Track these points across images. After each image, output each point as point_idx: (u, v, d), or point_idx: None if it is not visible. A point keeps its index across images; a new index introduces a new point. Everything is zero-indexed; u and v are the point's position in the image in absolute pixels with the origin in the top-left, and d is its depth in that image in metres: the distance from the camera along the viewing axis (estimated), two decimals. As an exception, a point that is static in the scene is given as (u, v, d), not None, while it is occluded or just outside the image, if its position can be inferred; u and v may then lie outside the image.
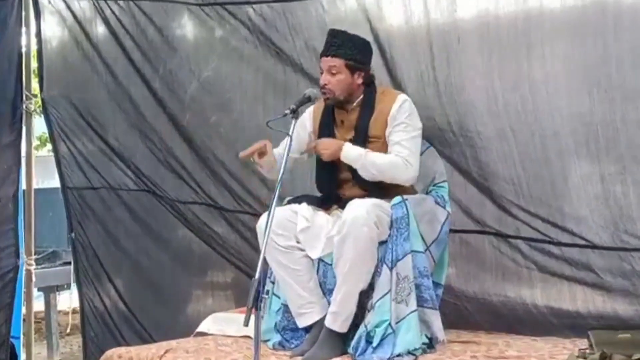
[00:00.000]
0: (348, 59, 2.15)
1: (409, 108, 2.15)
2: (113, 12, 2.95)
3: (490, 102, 2.21)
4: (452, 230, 2.25)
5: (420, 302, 2.08)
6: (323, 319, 2.12)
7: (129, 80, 3.00)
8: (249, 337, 2.17)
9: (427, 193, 2.27)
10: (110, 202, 3.20)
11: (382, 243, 2.09)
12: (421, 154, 2.26)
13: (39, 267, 3.32)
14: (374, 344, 2.03)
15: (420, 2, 2.24)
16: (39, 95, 3.27)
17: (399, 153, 2.11)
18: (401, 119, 2.14)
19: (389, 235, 2.08)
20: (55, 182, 3.47)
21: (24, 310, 3.21)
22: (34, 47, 3.22)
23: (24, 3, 3.10)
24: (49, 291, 3.71)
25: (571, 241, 2.17)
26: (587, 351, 1.95)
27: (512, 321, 2.29)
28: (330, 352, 2.06)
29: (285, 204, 2.25)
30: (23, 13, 3.12)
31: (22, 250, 3.12)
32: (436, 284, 2.17)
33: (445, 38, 2.24)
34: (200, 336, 2.37)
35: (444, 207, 2.21)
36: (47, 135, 3.73)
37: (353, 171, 2.18)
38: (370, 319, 2.05)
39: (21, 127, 3.12)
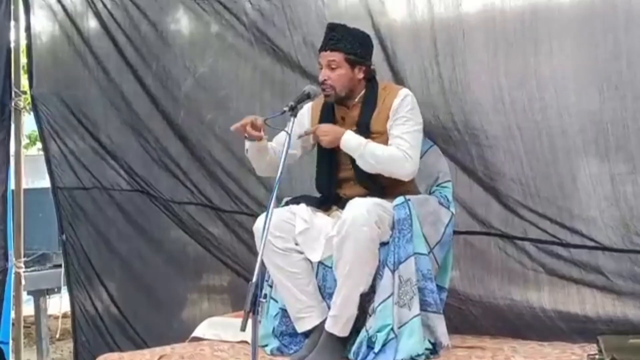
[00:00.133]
0: (348, 52, 2.11)
1: (411, 102, 2.12)
2: (105, 6, 2.92)
3: (496, 100, 2.18)
4: (456, 232, 2.21)
5: (424, 306, 2.04)
6: (322, 323, 2.08)
7: (121, 77, 2.96)
8: (246, 342, 2.13)
9: (430, 193, 2.23)
10: (102, 203, 3.17)
11: (383, 245, 2.04)
12: (424, 152, 2.23)
13: (28, 269, 3.31)
14: (376, 350, 1.99)
15: (424, -5, 2.21)
16: (28, 92, 3.25)
17: (400, 146, 2.07)
18: (402, 112, 2.10)
19: (391, 237, 2.04)
20: (45, 182, 3.44)
21: (13, 314, 3.17)
22: (23, 42, 3.18)
23: (13, -4, 3.06)
24: (39, 295, 3.67)
25: (580, 243, 2.14)
26: (597, 357, 1.92)
27: (518, 326, 2.25)
28: (330, 357, 2.02)
29: (284, 205, 2.21)
30: (12, 7, 3.08)
31: (11, 253, 3.09)
32: (440, 288, 2.13)
33: (449, 33, 2.21)
34: (195, 341, 2.34)
35: (448, 208, 2.17)
36: (36, 133, 3.72)
37: (354, 170, 2.13)
38: (372, 323, 2.01)
39: (10, 125, 3.10)
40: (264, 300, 2.09)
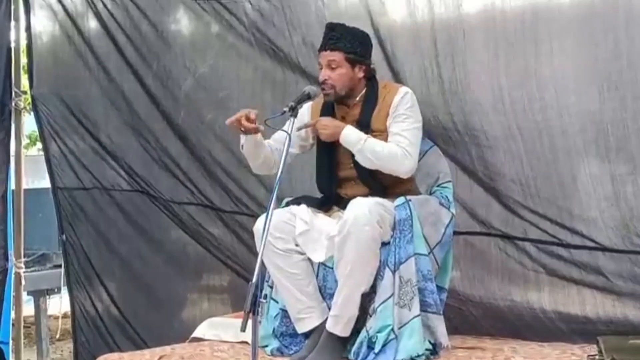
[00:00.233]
0: (348, 52, 2.11)
1: (411, 100, 2.12)
2: (105, 6, 2.92)
3: (497, 100, 2.17)
4: (456, 232, 2.21)
5: (424, 306, 2.03)
6: (323, 324, 2.07)
7: (121, 77, 2.96)
8: (246, 342, 2.12)
9: (430, 193, 2.23)
10: (102, 203, 3.16)
11: (384, 245, 2.04)
12: (425, 153, 2.23)
13: (28, 270, 3.30)
14: (376, 350, 1.98)
15: (424, -4, 2.21)
16: (28, 92, 3.24)
17: (399, 143, 2.07)
18: (402, 110, 2.10)
19: (392, 237, 2.03)
20: (45, 182, 3.43)
21: (13, 314, 3.16)
22: (23, 42, 3.17)
23: (14, -4, 3.06)
24: (39, 295, 3.66)
25: (580, 243, 2.14)
26: (597, 357, 1.92)
27: (518, 326, 2.25)
28: (330, 357, 2.02)
29: (284, 205, 2.20)
30: (12, 7, 3.08)
31: (11, 253, 3.08)
32: (440, 288, 2.12)
33: (450, 33, 2.21)
34: (195, 342, 2.33)
35: (448, 209, 2.17)
36: (37, 133, 3.71)
37: (356, 169, 2.13)
38: (372, 323, 2.01)
39: (10, 125, 3.09)
40: (264, 301, 2.08)
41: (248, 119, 2.07)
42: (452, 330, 2.12)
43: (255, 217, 2.22)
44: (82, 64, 3.04)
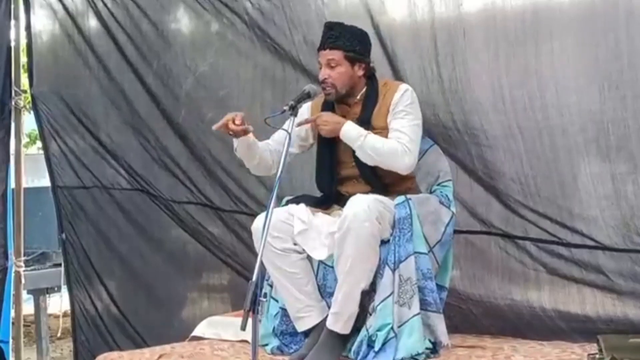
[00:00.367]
0: (347, 50, 2.11)
1: (411, 96, 2.12)
2: (105, 5, 2.91)
3: (497, 99, 2.17)
4: (457, 231, 2.20)
5: (424, 305, 2.03)
6: (322, 322, 2.07)
7: (122, 76, 2.96)
8: (246, 341, 2.13)
9: (431, 192, 2.23)
10: (102, 202, 3.16)
11: (384, 243, 2.04)
12: (425, 151, 2.22)
13: (28, 268, 3.30)
14: (376, 348, 1.98)
15: (424, -6, 2.20)
16: (28, 91, 3.24)
17: (399, 139, 2.07)
18: (402, 106, 2.11)
19: (392, 236, 2.03)
20: (45, 181, 3.43)
21: (13, 313, 3.16)
22: (23, 41, 3.17)
23: (14, -5, 3.06)
24: (39, 294, 3.66)
25: (581, 242, 2.13)
26: (597, 356, 1.91)
27: (518, 325, 2.24)
28: (329, 355, 2.01)
29: (284, 204, 2.20)
30: (12, 5, 3.08)
31: (10, 251, 3.08)
32: (440, 287, 2.12)
33: (450, 32, 2.20)
34: (195, 340, 2.33)
35: (449, 207, 2.17)
36: (36, 132, 3.71)
37: (358, 167, 2.13)
38: (372, 322, 2.00)
39: (10, 124, 3.09)
40: (264, 300, 2.09)
41: (234, 122, 2.07)
42: (452, 329, 2.12)
43: (255, 216, 2.20)
44: (82, 63, 3.04)
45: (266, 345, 2.17)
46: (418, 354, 1.99)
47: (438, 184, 2.23)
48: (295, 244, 2.10)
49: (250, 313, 1.65)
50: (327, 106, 2.21)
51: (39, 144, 3.94)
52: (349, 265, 1.99)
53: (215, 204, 2.85)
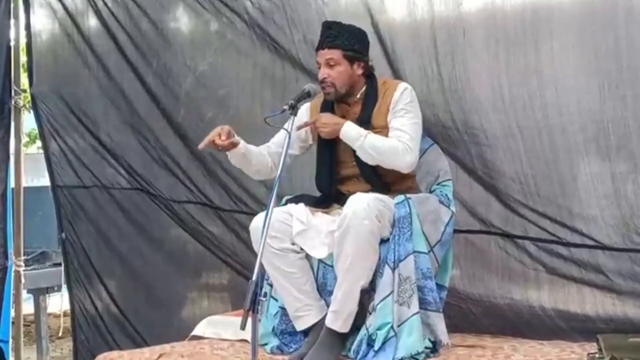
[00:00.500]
0: (346, 49, 2.11)
1: (410, 95, 2.13)
2: (105, 4, 2.91)
3: (497, 98, 2.17)
4: (456, 231, 2.20)
5: (423, 304, 2.03)
6: (321, 321, 2.07)
7: (121, 75, 2.95)
8: (245, 341, 2.12)
9: (430, 192, 2.23)
10: (102, 201, 3.16)
11: (383, 242, 2.03)
12: (425, 151, 2.22)
13: (28, 268, 3.30)
14: (376, 348, 1.98)
15: (424, -6, 2.20)
16: (28, 90, 3.24)
17: (400, 138, 2.07)
18: (402, 105, 2.11)
19: (392, 235, 2.03)
20: (45, 181, 3.43)
21: (12, 312, 3.15)
22: (23, 41, 3.18)
23: (13, -5, 3.06)
24: (39, 293, 3.66)
25: (580, 242, 2.13)
26: (596, 356, 1.90)
27: (518, 324, 2.24)
28: (329, 354, 2.01)
29: (284, 203, 2.20)
30: (12, 5, 3.07)
31: (10, 251, 3.08)
32: (440, 286, 2.12)
33: (450, 32, 2.20)
34: (195, 340, 2.33)
35: (448, 207, 2.17)
36: (36, 131, 3.71)
37: (359, 167, 2.13)
38: (372, 321, 2.00)
39: (10, 124, 3.09)
40: (263, 299, 2.08)
41: (220, 137, 2.07)
42: (452, 328, 2.12)
43: (255, 215, 2.20)
44: (82, 62, 3.04)
45: (266, 344, 2.17)
46: (418, 353, 1.98)
47: (438, 184, 2.23)
48: (293, 244, 2.10)
49: (250, 312, 1.65)
50: (327, 106, 2.21)
51: (38, 143, 3.94)
52: (348, 263, 1.99)
53: (215, 203, 2.85)
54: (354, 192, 2.08)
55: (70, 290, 3.27)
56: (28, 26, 3.12)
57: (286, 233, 2.09)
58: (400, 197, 2.05)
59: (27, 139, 4.95)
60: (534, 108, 2.12)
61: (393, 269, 2.00)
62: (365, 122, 2.12)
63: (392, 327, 1.97)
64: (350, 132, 2.08)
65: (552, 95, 2.09)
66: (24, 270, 3.16)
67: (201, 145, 2.10)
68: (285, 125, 2.04)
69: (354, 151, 2.11)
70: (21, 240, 3.14)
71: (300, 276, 2.10)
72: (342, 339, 2.04)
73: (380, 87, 2.16)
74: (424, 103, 2.18)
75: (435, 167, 2.24)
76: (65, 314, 3.58)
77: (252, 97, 2.66)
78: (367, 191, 2.07)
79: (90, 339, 3.22)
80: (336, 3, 2.42)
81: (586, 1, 2.07)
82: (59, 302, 3.64)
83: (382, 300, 1.99)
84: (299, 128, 2.14)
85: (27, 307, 3.58)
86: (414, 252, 2.02)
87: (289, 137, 1.97)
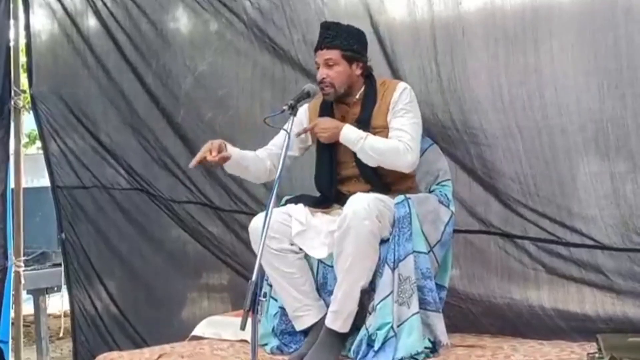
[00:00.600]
0: (345, 49, 2.11)
1: (410, 95, 2.13)
2: (105, 5, 2.92)
3: (496, 98, 2.17)
4: (456, 231, 2.20)
5: (423, 304, 2.03)
6: (321, 321, 2.07)
7: (121, 76, 2.96)
8: (245, 341, 2.13)
9: (430, 192, 2.23)
10: (101, 202, 3.16)
11: (383, 242, 2.04)
12: (424, 151, 2.22)
13: (28, 268, 3.30)
14: (376, 348, 1.98)
15: (423, -6, 2.20)
16: (27, 90, 3.24)
17: (400, 138, 2.08)
18: (401, 105, 2.11)
19: (391, 235, 2.03)
20: (45, 181, 3.44)
21: (12, 313, 3.16)
22: (22, 41, 3.18)
23: (13, -5, 3.06)
24: (39, 294, 3.66)
25: (580, 241, 2.13)
26: (596, 355, 1.91)
27: (518, 324, 2.25)
28: (328, 354, 2.01)
29: (284, 204, 2.20)
30: (11, 5, 3.08)
31: (10, 252, 3.08)
32: (439, 286, 2.12)
33: (449, 32, 2.20)
34: (195, 340, 2.33)
35: (448, 207, 2.17)
36: (36, 132, 3.72)
37: (359, 167, 2.13)
38: (372, 321, 2.00)
39: (9, 124, 3.09)
40: (263, 299, 2.07)
41: (211, 153, 2.07)
42: (451, 328, 2.12)
43: (254, 215, 2.20)
44: (82, 63, 3.04)
45: (266, 344, 2.17)
46: (417, 353, 1.98)
47: (437, 184, 2.23)
48: (292, 244, 2.10)
49: (250, 313, 1.66)
50: (325, 107, 2.21)
51: (38, 143, 3.95)
52: (348, 263, 1.99)
53: (215, 203, 2.85)
54: (354, 193, 2.08)
55: (70, 290, 3.27)
56: (27, 26, 3.13)
57: (285, 234, 2.10)
58: (400, 197, 2.05)
59: (27, 140, 4.97)
60: (533, 108, 2.12)
61: (393, 269, 2.00)
62: (364, 122, 2.12)
63: (391, 327, 1.97)
64: (350, 135, 2.08)
65: (552, 95, 2.09)
66: (24, 271, 3.16)
67: (192, 164, 2.09)
68: (285, 126, 2.04)
69: (354, 152, 2.11)
70: (21, 240, 3.14)
71: (300, 276, 2.10)
72: (342, 339, 2.04)
73: (379, 87, 2.16)
74: (423, 103, 2.18)
75: (434, 167, 2.24)
76: (65, 315, 3.58)
77: (251, 97, 2.67)
78: (367, 191, 2.07)
79: (90, 340, 3.22)
80: (335, 3, 2.42)
81: (586, 1, 2.07)
82: (58, 303, 3.65)
83: (382, 300, 1.99)
84: (298, 135, 2.15)
85: (27, 307, 3.58)
86: (414, 252, 2.02)
87: (289, 137, 1.97)
